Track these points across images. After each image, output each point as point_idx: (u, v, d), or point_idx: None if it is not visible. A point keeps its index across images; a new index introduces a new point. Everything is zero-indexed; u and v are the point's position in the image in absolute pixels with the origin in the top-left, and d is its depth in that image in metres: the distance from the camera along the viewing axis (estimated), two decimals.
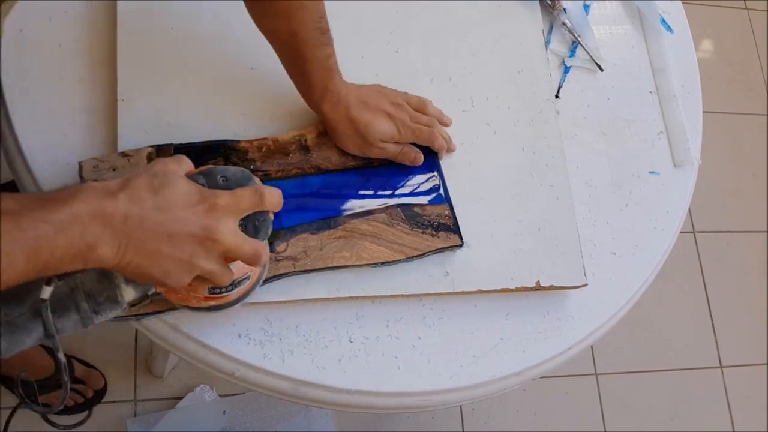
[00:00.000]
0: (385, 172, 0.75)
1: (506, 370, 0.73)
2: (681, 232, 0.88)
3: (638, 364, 1.66)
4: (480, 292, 0.73)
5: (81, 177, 0.65)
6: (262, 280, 0.64)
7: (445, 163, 0.78)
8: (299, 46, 0.68)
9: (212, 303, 0.61)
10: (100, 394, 1.31)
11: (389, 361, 0.69)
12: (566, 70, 0.90)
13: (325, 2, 0.69)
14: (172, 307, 0.63)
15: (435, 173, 0.77)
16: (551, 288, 0.75)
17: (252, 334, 0.67)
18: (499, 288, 0.73)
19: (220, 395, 1.34)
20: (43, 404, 1.25)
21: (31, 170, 0.67)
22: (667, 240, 0.86)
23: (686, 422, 1.64)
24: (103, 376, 1.32)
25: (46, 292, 0.51)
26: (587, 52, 0.91)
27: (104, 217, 0.48)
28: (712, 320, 1.76)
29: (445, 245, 0.72)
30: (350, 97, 0.72)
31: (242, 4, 0.68)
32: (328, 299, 0.69)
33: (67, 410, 1.28)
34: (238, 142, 0.71)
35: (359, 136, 0.72)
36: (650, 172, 0.88)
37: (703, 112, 0.95)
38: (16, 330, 0.52)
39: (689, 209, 0.92)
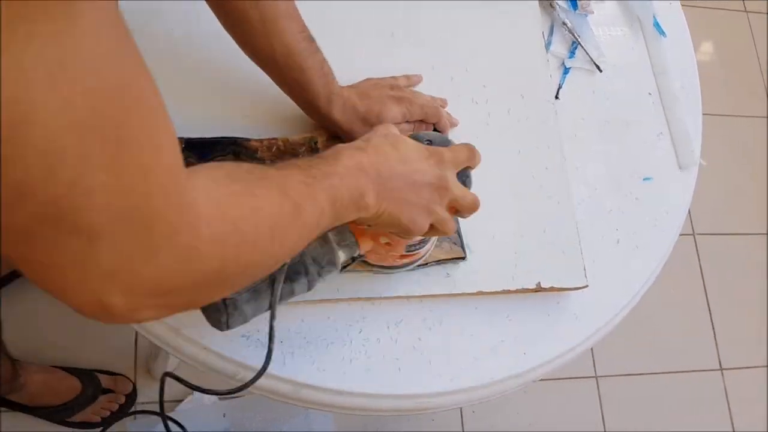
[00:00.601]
0: None
1: (506, 372, 0.73)
2: (681, 234, 0.88)
3: (638, 366, 1.66)
4: (480, 293, 0.73)
5: None
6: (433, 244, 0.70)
7: None
8: (296, 60, 0.67)
9: (406, 260, 0.68)
10: (132, 398, 1.31)
11: (390, 363, 0.69)
12: (566, 71, 0.90)
13: (327, 4, 0.69)
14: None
15: None
16: (552, 289, 0.75)
17: (252, 337, 0.67)
18: (499, 289, 0.73)
19: (219, 398, 1.34)
20: (82, 422, 1.26)
21: None
22: (668, 242, 0.86)
23: (686, 425, 1.64)
24: (129, 378, 1.32)
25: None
26: (587, 53, 0.91)
27: (364, 169, 0.54)
28: (712, 322, 1.76)
29: (448, 257, 0.72)
30: (353, 96, 0.72)
31: None
32: (328, 301, 0.69)
33: (105, 421, 1.28)
34: (249, 140, 0.71)
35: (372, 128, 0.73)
36: (644, 179, 0.87)
37: (703, 114, 0.95)
38: (259, 296, 0.57)
39: (689, 211, 0.92)
